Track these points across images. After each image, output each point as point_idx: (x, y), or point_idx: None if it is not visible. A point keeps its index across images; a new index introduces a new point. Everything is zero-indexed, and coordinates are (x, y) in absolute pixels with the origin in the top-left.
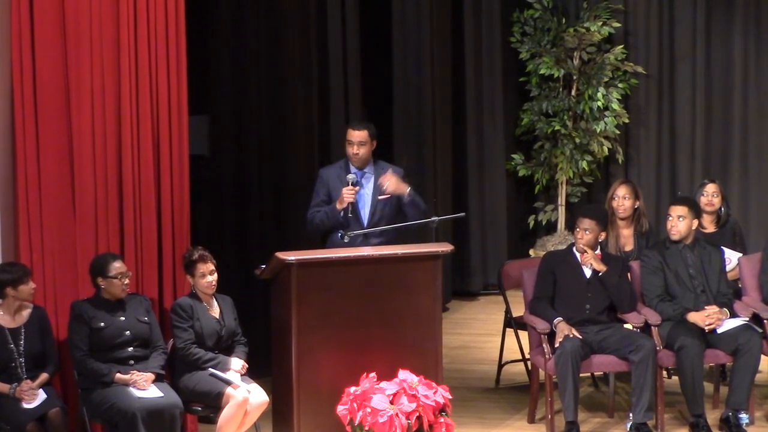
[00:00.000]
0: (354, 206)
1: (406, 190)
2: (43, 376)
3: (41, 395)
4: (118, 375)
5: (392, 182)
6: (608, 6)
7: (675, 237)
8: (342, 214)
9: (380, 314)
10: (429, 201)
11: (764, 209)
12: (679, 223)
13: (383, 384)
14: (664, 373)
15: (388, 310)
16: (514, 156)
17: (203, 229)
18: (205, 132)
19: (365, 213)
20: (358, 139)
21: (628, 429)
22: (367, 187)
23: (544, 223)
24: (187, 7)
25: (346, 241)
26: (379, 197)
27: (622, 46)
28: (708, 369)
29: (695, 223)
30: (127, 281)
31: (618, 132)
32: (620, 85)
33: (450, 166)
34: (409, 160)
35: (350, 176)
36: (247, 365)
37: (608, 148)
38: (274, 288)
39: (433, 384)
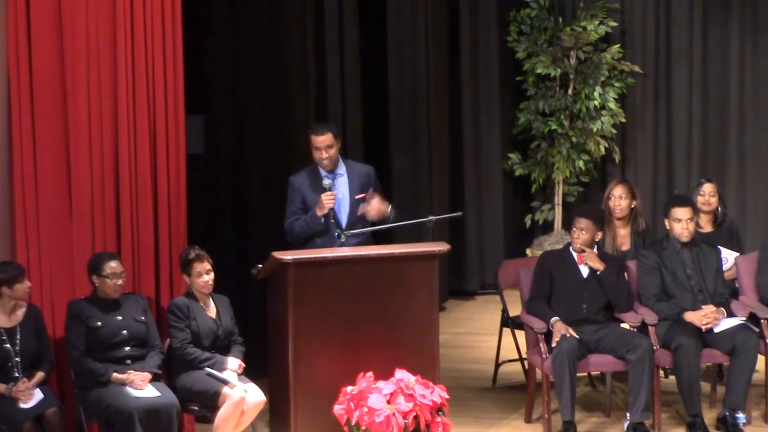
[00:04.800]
0: (332, 210)
1: (387, 209)
2: (39, 375)
3: (38, 395)
4: (115, 374)
5: (374, 209)
6: (605, 5)
7: (687, 239)
8: (323, 220)
9: (377, 314)
10: (425, 200)
11: (761, 208)
12: (690, 225)
13: (380, 383)
14: (661, 372)
15: (384, 310)
16: (510, 155)
17: (199, 228)
18: (201, 131)
19: (344, 215)
20: (325, 144)
21: (625, 428)
22: (341, 188)
23: (540, 222)
24: (183, 6)
25: (342, 240)
26: (357, 197)
27: (618, 45)
28: (705, 368)
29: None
30: (120, 282)
31: (614, 131)
32: (617, 85)
33: (446, 165)
34: (405, 159)
35: (326, 182)
36: (243, 365)
37: (605, 148)
38: (270, 287)
39: (430, 383)
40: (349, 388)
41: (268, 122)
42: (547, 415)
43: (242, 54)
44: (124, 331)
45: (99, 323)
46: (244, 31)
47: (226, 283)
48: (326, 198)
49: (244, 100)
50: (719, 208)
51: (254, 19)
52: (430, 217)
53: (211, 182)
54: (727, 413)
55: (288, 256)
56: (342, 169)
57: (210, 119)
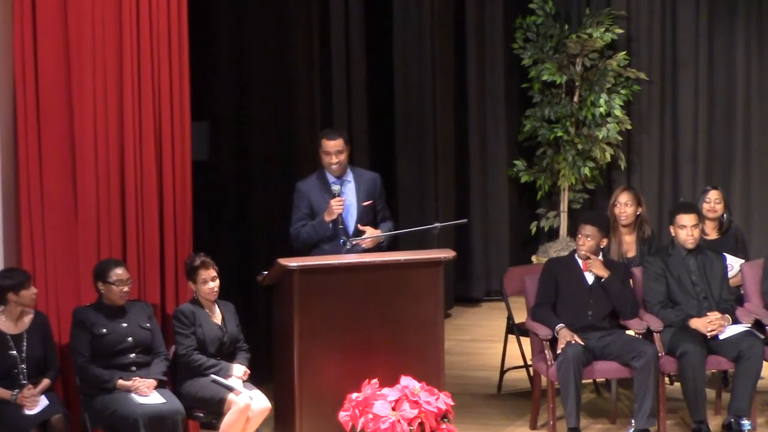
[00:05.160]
0: (340, 216)
1: (380, 235)
2: (45, 382)
3: (43, 401)
4: (120, 381)
5: (369, 241)
6: (611, 12)
7: (692, 246)
8: (331, 226)
9: (382, 320)
10: (430, 207)
11: (766, 215)
12: (695, 231)
13: (385, 390)
14: (666, 379)
15: (390, 316)
16: (516, 162)
17: (203, 235)
18: (206, 138)
19: (351, 221)
20: (336, 148)
21: None
22: (349, 195)
23: (546, 229)
24: (188, 12)
25: (348, 247)
26: (364, 203)
27: (624, 52)
28: (710, 375)
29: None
30: (126, 289)
31: (620, 138)
32: (622, 92)
33: (452, 172)
34: (411, 165)
35: (335, 187)
36: (249, 371)
37: (610, 155)
38: (276, 294)
39: (435, 390)
40: (354, 395)
41: (272, 129)
42: (552, 422)
43: (247, 59)
44: (130, 338)
45: (104, 330)
46: (249, 36)
47: (230, 289)
48: (335, 204)
49: (249, 106)
50: (725, 215)
51: (259, 24)
52: (436, 224)
53: (216, 189)
54: (732, 420)
55: (294, 263)
56: (349, 176)
57: (214, 126)
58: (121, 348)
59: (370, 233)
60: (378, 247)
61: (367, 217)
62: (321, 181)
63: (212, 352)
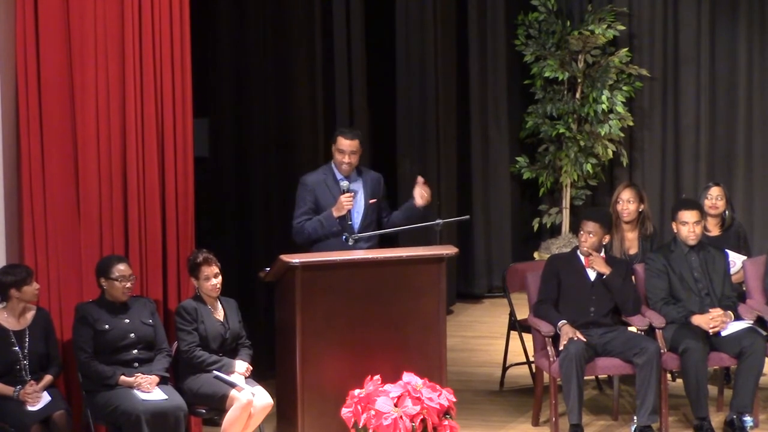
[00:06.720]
0: (348, 212)
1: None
2: (47, 378)
3: (45, 397)
4: (123, 377)
5: (425, 196)
6: (613, 9)
7: (694, 242)
8: (338, 221)
9: (384, 317)
10: (433, 203)
11: None
12: (697, 228)
13: (387, 386)
14: (669, 375)
15: (392, 313)
16: (518, 159)
17: (205, 231)
18: (206, 134)
19: (357, 219)
20: (351, 149)
21: None
22: (357, 192)
23: (548, 225)
24: (190, 8)
25: (351, 244)
26: (370, 201)
27: (626, 49)
28: (712, 372)
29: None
30: (129, 285)
31: (622, 135)
32: (625, 88)
33: (454, 168)
34: (413, 162)
35: (344, 183)
36: (251, 368)
37: (612, 151)
38: (278, 290)
39: (438, 386)
40: (356, 391)
41: (272, 125)
42: (554, 419)
43: (247, 57)
44: (132, 334)
45: (106, 326)
46: (249, 35)
47: (230, 285)
48: (345, 199)
49: (249, 102)
50: (727, 212)
51: (260, 22)
52: (438, 221)
53: (215, 185)
54: (735, 416)
55: (296, 259)
56: (354, 174)
57: (214, 122)
58: (124, 344)
59: (428, 194)
60: (419, 215)
61: (372, 215)
62: (328, 176)
63: (214, 349)
